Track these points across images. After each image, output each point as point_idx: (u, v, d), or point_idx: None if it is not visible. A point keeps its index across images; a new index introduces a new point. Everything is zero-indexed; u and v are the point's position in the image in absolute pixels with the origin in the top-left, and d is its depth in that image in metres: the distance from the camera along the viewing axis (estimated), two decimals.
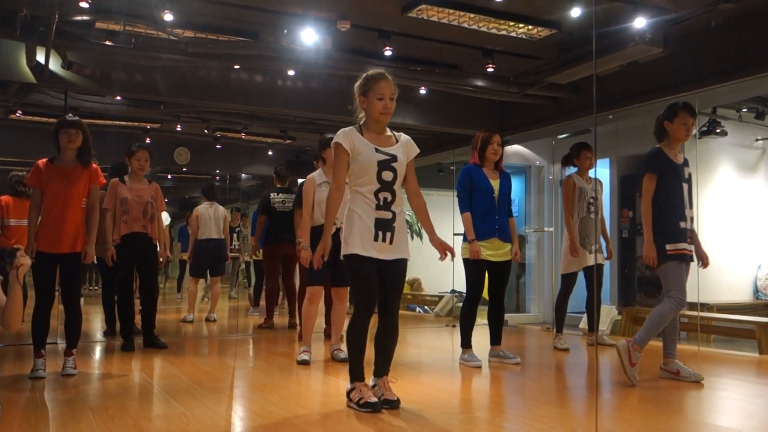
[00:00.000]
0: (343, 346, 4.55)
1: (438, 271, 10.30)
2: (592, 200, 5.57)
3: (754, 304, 8.17)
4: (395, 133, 3.51)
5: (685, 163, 4.19)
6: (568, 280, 5.61)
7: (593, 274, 5.47)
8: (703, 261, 4.24)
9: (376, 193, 3.33)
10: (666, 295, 4.03)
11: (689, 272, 4.17)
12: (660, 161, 4.08)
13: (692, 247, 4.11)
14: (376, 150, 3.35)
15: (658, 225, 4.06)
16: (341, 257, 3.42)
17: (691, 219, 4.12)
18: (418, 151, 3.53)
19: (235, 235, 9.45)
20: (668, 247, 4.02)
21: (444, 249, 3.47)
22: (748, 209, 8.41)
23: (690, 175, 4.16)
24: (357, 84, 3.44)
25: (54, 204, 4.20)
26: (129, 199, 5.31)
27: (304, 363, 4.71)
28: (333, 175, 3.48)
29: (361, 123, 3.47)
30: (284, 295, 7.16)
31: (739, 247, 8.15)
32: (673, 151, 4.14)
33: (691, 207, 4.12)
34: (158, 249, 5.47)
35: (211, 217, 7.57)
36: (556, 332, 5.67)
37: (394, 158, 3.38)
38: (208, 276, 7.80)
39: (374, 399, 3.32)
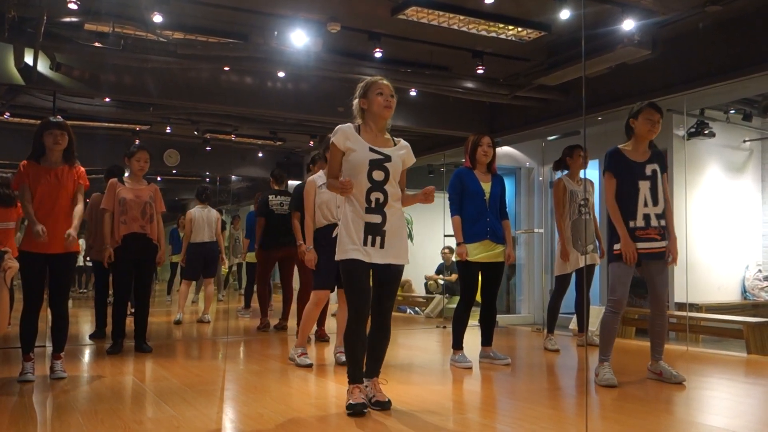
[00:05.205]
0: None
1: (429, 272, 10.32)
2: (583, 202, 5.59)
3: (743, 304, 8.21)
4: (395, 138, 3.51)
5: (652, 159, 4.13)
6: (561, 282, 5.62)
7: (584, 275, 5.50)
8: (672, 257, 4.17)
9: (367, 194, 3.33)
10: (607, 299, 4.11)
11: (662, 269, 4.13)
12: (615, 160, 4.11)
13: (656, 245, 4.05)
14: (370, 149, 3.35)
15: (609, 225, 4.10)
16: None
17: (657, 215, 4.06)
18: (415, 160, 3.52)
19: None
20: (615, 247, 4.05)
21: (426, 193, 3.41)
22: (736, 210, 8.47)
23: (655, 171, 4.10)
24: (356, 92, 3.45)
25: (43, 205, 4.15)
26: (128, 200, 5.29)
27: (309, 366, 4.70)
28: (327, 168, 3.61)
29: (358, 123, 3.46)
30: (284, 297, 7.04)
31: (727, 247, 8.20)
32: (638, 149, 4.14)
33: (655, 204, 4.06)
34: (159, 250, 5.44)
35: (204, 221, 7.59)
36: (547, 333, 5.69)
37: (387, 158, 3.37)
38: (201, 278, 7.79)
39: (359, 401, 3.30)
